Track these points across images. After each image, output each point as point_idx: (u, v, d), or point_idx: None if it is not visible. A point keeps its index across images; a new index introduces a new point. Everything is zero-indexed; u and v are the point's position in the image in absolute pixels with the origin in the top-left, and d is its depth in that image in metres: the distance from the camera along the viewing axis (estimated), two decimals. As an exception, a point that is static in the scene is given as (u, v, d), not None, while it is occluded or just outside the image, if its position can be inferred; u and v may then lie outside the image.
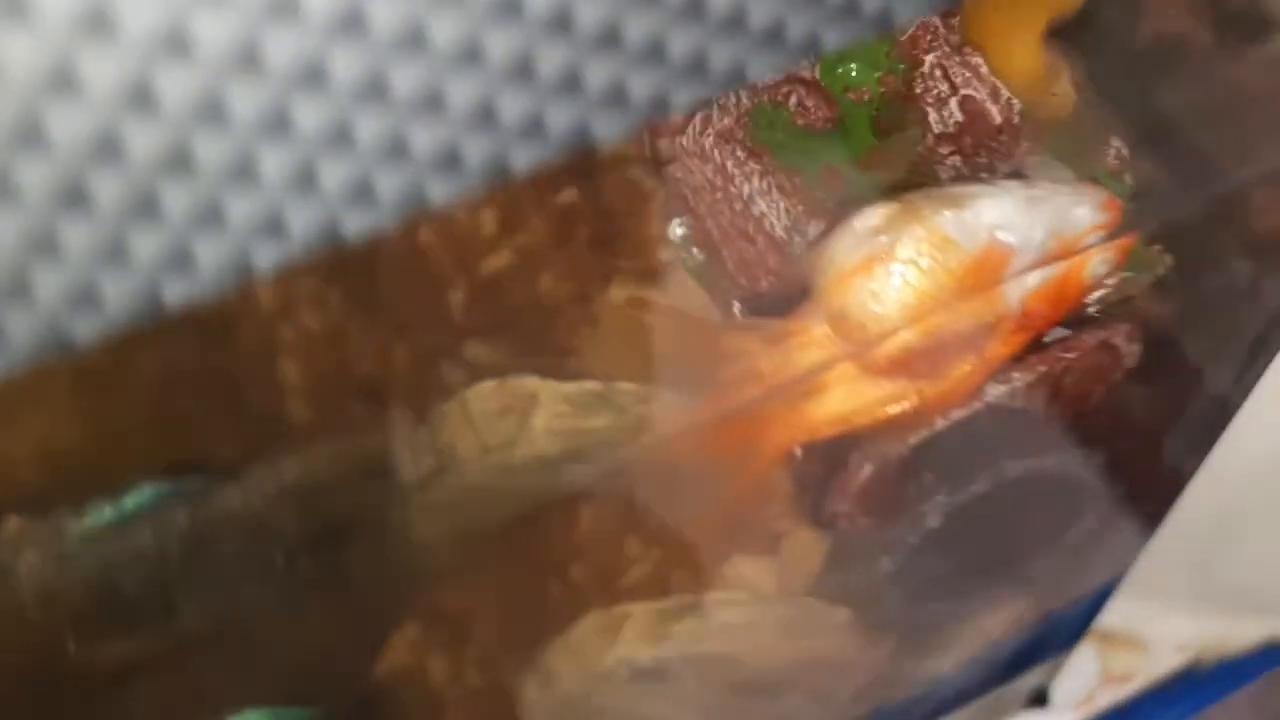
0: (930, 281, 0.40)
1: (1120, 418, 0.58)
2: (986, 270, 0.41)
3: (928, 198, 0.42)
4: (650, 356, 0.43)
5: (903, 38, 0.46)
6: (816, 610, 0.61)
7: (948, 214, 0.41)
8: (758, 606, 0.59)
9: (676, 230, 0.50)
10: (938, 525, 0.56)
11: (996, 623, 0.72)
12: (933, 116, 0.46)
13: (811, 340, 0.41)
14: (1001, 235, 0.41)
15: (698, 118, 0.49)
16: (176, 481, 0.48)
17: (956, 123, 0.46)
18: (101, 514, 0.47)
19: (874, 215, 0.41)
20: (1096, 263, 0.42)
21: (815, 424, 0.43)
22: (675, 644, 0.58)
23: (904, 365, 0.41)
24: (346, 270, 0.53)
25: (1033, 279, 0.41)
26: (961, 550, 0.62)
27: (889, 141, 0.45)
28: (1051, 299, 0.42)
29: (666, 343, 0.43)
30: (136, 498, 0.48)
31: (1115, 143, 0.48)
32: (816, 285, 0.42)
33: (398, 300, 0.55)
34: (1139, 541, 0.72)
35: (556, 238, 0.53)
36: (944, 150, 0.46)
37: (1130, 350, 0.50)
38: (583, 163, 0.55)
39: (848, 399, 0.42)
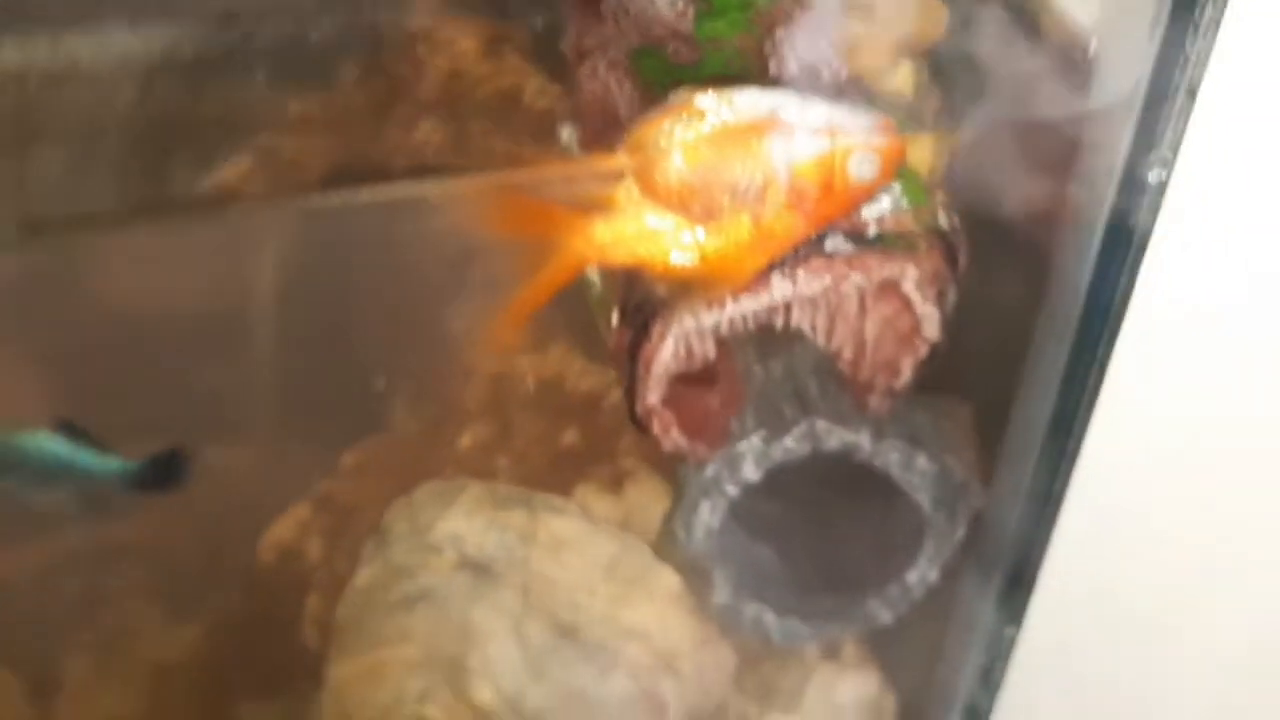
0: (711, 130, 0.50)
1: (939, 421, 0.63)
2: (759, 133, 0.50)
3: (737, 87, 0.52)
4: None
5: (765, 12, 0.58)
6: (644, 558, 0.65)
7: (741, 89, 0.50)
8: (587, 527, 0.64)
9: (564, 133, 0.61)
10: (756, 480, 0.61)
11: (844, 692, 0.73)
12: (771, 66, 0.56)
13: (611, 165, 0.51)
14: (780, 112, 0.50)
15: (598, 50, 0.61)
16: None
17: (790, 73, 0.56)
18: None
19: (687, 90, 0.52)
20: (860, 159, 0.50)
21: (605, 243, 0.51)
22: (502, 537, 0.63)
23: (681, 199, 0.50)
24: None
25: (799, 150, 0.49)
26: (787, 541, 0.66)
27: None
28: (820, 183, 0.50)
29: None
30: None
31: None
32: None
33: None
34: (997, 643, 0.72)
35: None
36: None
37: (926, 311, 0.57)
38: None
39: (633, 223, 0.51)
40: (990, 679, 0.73)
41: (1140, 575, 0.66)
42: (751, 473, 0.61)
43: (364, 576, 0.64)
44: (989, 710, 0.75)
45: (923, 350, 0.58)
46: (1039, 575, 0.68)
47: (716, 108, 0.50)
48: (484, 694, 0.64)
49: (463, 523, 0.63)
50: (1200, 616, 0.67)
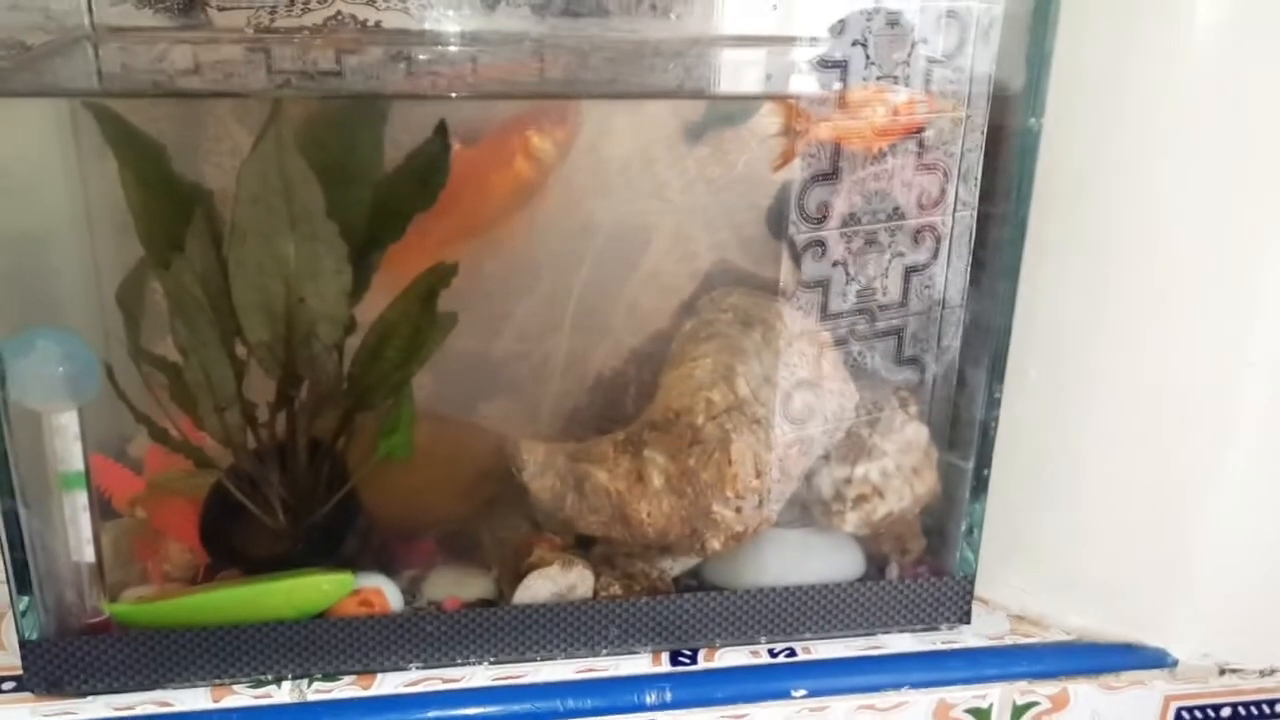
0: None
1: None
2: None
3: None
4: None
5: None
6: (821, 332, 1.34)
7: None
8: (796, 312, 1.34)
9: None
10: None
11: (912, 432, 1.40)
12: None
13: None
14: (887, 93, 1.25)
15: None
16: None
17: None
18: None
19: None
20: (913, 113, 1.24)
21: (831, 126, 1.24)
22: (757, 307, 1.33)
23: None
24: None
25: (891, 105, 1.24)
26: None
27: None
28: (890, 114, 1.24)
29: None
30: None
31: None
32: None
33: None
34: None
35: None
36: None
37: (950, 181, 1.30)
38: None
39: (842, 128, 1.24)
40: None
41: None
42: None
43: (686, 326, 1.34)
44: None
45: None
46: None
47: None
48: (742, 388, 1.32)
49: (739, 299, 1.33)
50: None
